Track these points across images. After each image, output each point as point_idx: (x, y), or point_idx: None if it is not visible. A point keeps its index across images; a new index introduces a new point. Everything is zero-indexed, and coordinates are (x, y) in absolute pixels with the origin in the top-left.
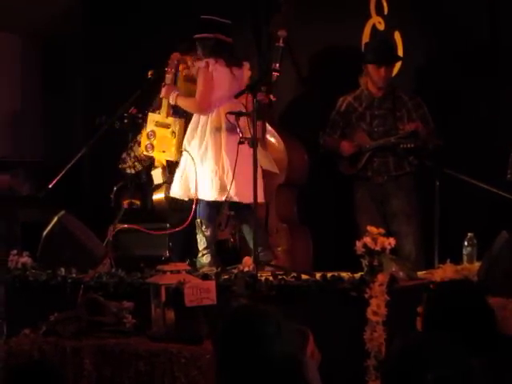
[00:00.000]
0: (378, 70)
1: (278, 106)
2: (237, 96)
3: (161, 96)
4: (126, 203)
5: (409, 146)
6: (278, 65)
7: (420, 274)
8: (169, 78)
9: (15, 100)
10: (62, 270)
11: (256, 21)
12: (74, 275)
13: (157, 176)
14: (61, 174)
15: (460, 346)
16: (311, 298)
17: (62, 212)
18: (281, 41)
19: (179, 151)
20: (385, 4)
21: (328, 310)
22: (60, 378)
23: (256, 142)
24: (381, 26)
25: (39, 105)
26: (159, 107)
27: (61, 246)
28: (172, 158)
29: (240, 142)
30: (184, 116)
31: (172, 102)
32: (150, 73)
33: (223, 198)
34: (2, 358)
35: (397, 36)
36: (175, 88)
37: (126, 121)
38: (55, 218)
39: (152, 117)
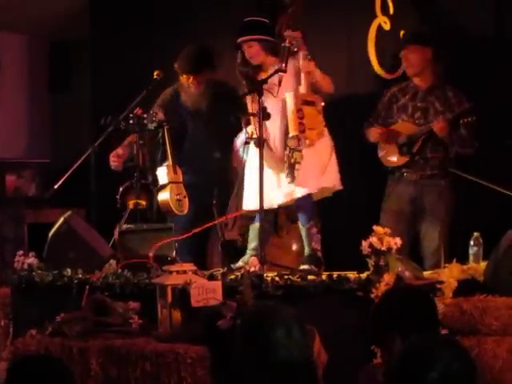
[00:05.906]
0: (404, 54)
1: None
2: (243, 95)
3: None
4: (131, 204)
5: (470, 120)
6: (283, 65)
7: (426, 273)
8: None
9: (22, 100)
10: (68, 270)
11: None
12: (80, 276)
13: (162, 176)
14: (66, 175)
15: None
16: (317, 298)
17: (68, 213)
18: (287, 41)
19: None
20: (390, 4)
21: (334, 310)
22: (68, 374)
23: (263, 141)
24: (387, 26)
25: (46, 105)
26: (296, 86)
27: (67, 247)
28: (320, 137)
29: (246, 142)
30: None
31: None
32: (155, 73)
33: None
34: (8, 359)
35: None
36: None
37: (131, 121)
38: (61, 219)
39: (291, 95)
